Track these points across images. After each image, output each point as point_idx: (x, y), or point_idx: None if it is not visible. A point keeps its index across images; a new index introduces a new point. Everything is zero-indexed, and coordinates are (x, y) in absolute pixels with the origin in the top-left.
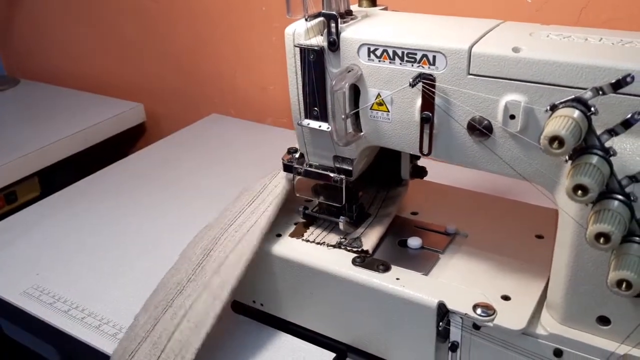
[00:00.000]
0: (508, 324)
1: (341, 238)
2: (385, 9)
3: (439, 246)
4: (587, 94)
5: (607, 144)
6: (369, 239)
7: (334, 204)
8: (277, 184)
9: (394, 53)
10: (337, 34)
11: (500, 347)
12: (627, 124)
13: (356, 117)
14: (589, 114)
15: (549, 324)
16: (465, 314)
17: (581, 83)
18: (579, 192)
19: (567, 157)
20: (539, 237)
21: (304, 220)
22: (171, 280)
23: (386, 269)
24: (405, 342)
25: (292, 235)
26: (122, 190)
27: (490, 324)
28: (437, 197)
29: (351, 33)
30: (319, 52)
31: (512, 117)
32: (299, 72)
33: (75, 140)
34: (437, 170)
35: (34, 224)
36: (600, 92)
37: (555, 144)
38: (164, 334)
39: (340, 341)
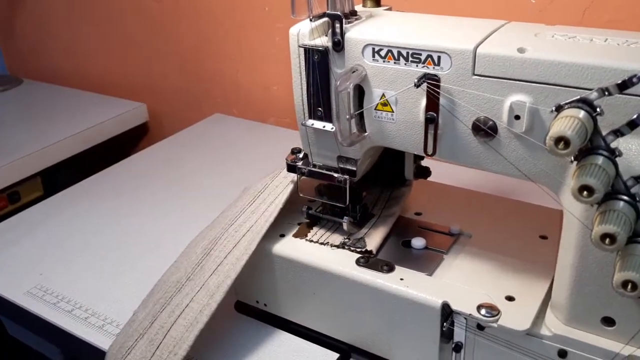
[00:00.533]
0: (512, 325)
1: (345, 238)
2: (390, 9)
3: (442, 246)
4: (593, 95)
5: (613, 145)
6: (373, 239)
7: (338, 204)
8: (279, 184)
9: (399, 53)
10: (342, 34)
11: (504, 348)
12: (632, 125)
13: (360, 117)
14: (594, 114)
15: (554, 325)
16: (470, 314)
17: (587, 84)
18: (585, 192)
19: (572, 157)
20: (543, 237)
21: (307, 221)
22: (171, 278)
23: (390, 269)
24: (409, 342)
25: (295, 235)
26: (125, 190)
27: (495, 325)
28: (441, 197)
29: (356, 33)
30: (323, 53)
31: (517, 117)
32: (304, 73)
33: (78, 140)
34: (441, 171)
35: (37, 224)
36: (606, 93)
37: (561, 145)
38: (160, 332)
39: (344, 341)
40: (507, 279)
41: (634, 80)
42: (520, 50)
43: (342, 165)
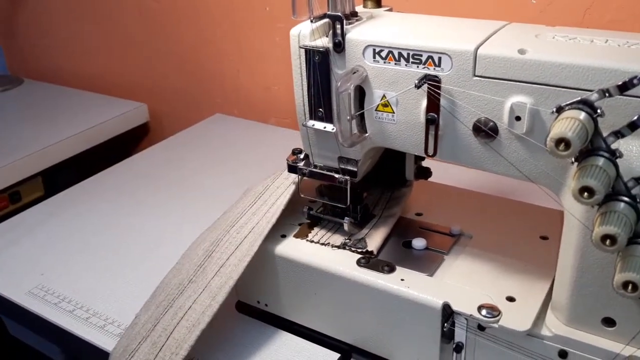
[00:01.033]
0: (513, 325)
1: (346, 239)
2: (391, 10)
3: (443, 247)
4: (594, 96)
5: (613, 146)
6: (374, 240)
7: (339, 205)
8: (280, 185)
9: (400, 54)
10: (343, 35)
11: (505, 348)
12: (633, 126)
13: (361, 118)
14: (595, 115)
15: (554, 325)
16: (470, 315)
17: (587, 85)
18: (585, 194)
19: (573, 159)
20: (544, 238)
21: (308, 221)
22: (173, 280)
23: (391, 269)
24: (410, 342)
25: (296, 235)
26: (126, 190)
27: (495, 325)
28: (442, 198)
29: (356, 34)
30: (324, 54)
31: (518, 118)
32: (304, 74)
33: (78, 140)
34: (442, 171)
35: (38, 224)
36: (607, 94)
37: (562, 146)
38: (163, 334)
39: (345, 342)
40: (507, 279)
41: (635, 81)
42: (521, 51)
43: (342, 166)
